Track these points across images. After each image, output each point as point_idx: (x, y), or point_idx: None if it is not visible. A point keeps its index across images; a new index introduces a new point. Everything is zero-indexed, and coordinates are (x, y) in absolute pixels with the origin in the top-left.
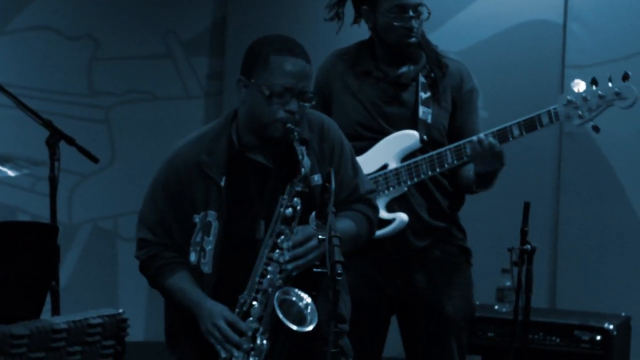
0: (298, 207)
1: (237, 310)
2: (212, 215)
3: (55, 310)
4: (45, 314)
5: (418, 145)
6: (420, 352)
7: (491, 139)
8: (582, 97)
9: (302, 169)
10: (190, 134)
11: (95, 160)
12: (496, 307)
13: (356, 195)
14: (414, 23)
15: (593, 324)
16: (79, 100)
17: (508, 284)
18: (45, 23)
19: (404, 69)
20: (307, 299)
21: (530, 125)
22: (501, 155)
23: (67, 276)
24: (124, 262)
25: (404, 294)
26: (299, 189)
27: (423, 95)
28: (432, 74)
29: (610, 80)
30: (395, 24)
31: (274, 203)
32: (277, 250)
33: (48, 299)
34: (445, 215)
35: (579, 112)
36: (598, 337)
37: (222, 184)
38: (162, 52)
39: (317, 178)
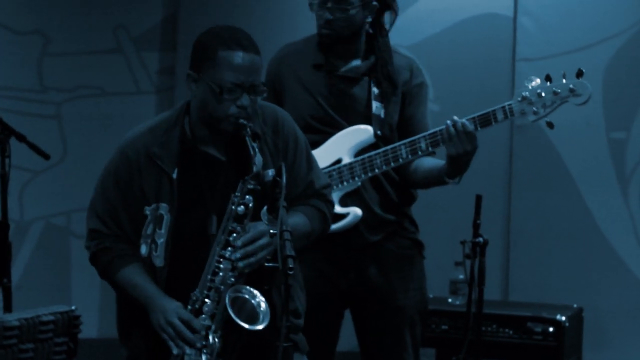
0: (250, 205)
1: (189, 307)
2: (163, 208)
3: (7, 308)
4: None
5: (372, 140)
6: (375, 346)
7: (464, 120)
8: (537, 93)
9: (254, 167)
10: (142, 124)
11: (46, 156)
12: (449, 299)
13: (311, 190)
14: (327, 15)
15: (545, 315)
16: (29, 96)
17: (461, 276)
18: None
19: (353, 63)
20: (260, 297)
21: (485, 121)
22: (473, 136)
23: (19, 273)
24: (76, 258)
25: (357, 287)
26: (251, 186)
27: (375, 90)
28: (382, 72)
29: (564, 77)
30: (316, 13)
31: (226, 197)
32: (229, 248)
33: (0, 296)
34: (397, 209)
35: (534, 109)
36: (550, 329)
37: (174, 176)
38: (112, 47)
39: (270, 173)
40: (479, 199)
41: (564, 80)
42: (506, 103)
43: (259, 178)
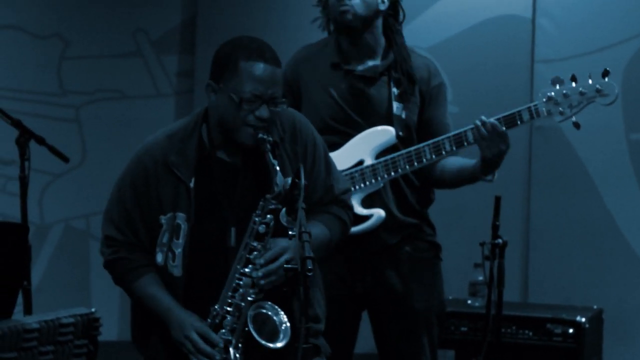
0: (271, 224)
1: (209, 320)
2: (181, 217)
3: (27, 310)
4: (17, 314)
5: (394, 141)
6: (392, 348)
7: (492, 120)
8: (563, 93)
9: (276, 187)
10: (159, 131)
11: (65, 159)
12: (469, 301)
13: (330, 195)
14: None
15: (565, 317)
16: (48, 100)
17: (480, 278)
18: (14, 22)
19: (370, 63)
20: (283, 315)
21: (510, 122)
22: (505, 135)
23: (39, 276)
24: (96, 261)
25: (374, 290)
26: (272, 206)
27: (395, 91)
28: (402, 70)
29: (590, 77)
30: (331, 6)
31: (243, 206)
32: (249, 265)
33: (20, 299)
34: (415, 211)
35: (560, 109)
36: (570, 330)
37: (192, 185)
38: (132, 51)
39: (289, 181)
40: (498, 200)
41: (590, 81)
42: (532, 104)
43: (279, 198)
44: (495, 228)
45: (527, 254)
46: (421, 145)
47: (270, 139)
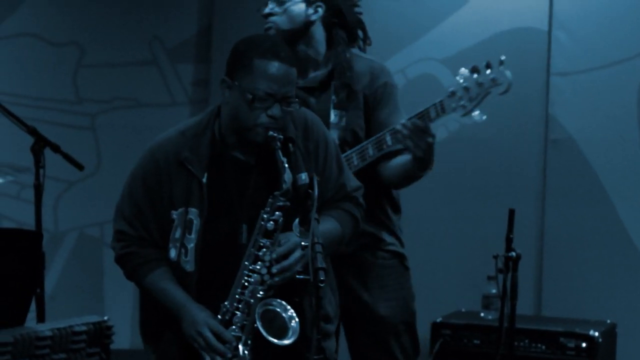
0: (280, 221)
1: (219, 317)
2: (193, 213)
3: (40, 318)
4: (30, 322)
5: None
6: (363, 356)
7: (412, 120)
8: (464, 87)
9: (284, 184)
10: (172, 128)
11: (80, 167)
12: (482, 314)
13: (342, 193)
14: (264, 9)
15: (578, 330)
16: (64, 107)
17: (494, 291)
18: (31, 30)
19: (312, 74)
20: (292, 311)
21: (421, 119)
22: (427, 128)
23: (52, 283)
24: (109, 269)
25: (342, 299)
26: (280, 203)
27: (335, 98)
28: (340, 77)
29: (488, 67)
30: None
31: (255, 203)
32: (259, 262)
33: (33, 306)
34: (373, 220)
35: (462, 103)
36: (583, 344)
37: (204, 180)
38: (147, 59)
39: (303, 177)
40: (512, 213)
41: (488, 71)
42: (437, 100)
43: (288, 195)
44: (509, 241)
45: (541, 267)
46: (365, 143)
47: (281, 136)
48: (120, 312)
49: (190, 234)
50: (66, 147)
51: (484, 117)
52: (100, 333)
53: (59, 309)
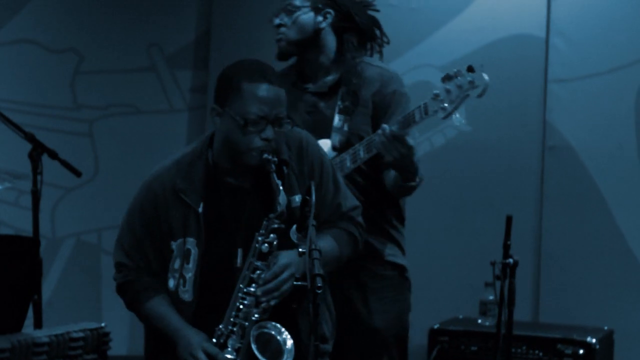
0: (274, 243)
1: (214, 340)
2: (191, 243)
3: (38, 324)
4: (28, 328)
5: (332, 153)
6: None
7: (392, 127)
8: (446, 89)
9: (279, 206)
10: (168, 158)
11: (78, 173)
12: (479, 320)
13: (339, 212)
14: (276, 20)
15: (576, 337)
16: (62, 114)
17: (491, 297)
18: (29, 36)
19: (322, 79)
20: (287, 334)
21: (406, 123)
22: (402, 137)
23: (50, 290)
24: (107, 276)
25: (337, 307)
26: (275, 225)
27: (341, 104)
28: (348, 83)
29: (469, 70)
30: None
31: (251, 227)
32: (253, 285)
33: (30, 312)
34: (375, 230)
35: (442, 105)
36: (581, 351)
37: (200, 210)
38: (145, 65)
39: (297, 199)
40: (509, 219)
41: (468, 74)
42: (422, 102)
43: (282, 217)
44: (506, 247)
45: (538, 274)
46: (357, 145)
47: (275, 159)
48: (117, 318)
49: (188, 263)
50: (64, 154)
51: (469, 128)
52: (98, 339)
53: (57, 315)
